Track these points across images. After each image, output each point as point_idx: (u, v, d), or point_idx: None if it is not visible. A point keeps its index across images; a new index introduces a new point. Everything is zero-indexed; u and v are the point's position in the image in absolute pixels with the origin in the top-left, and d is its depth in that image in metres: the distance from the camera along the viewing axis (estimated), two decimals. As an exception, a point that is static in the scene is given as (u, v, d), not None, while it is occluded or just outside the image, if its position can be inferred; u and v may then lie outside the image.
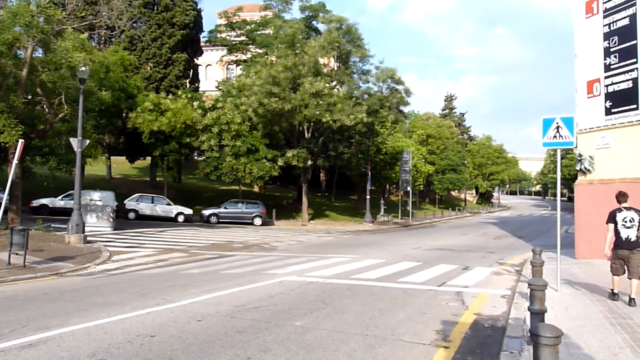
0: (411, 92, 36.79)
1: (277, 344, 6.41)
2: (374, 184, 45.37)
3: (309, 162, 33.96)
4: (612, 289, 9.25)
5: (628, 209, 8.96)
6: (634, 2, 14.96)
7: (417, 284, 11.44)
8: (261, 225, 32.41)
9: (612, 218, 9.04)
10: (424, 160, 53.17)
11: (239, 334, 6.84)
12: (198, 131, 32.45)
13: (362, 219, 37.83)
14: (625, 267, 8.84)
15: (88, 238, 18.05)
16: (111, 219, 24.08)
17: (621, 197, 9.21)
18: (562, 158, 44.67)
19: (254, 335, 6.78)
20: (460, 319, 8.08)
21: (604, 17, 16.00)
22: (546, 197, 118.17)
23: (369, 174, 39.06)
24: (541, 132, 10.15)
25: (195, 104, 33.31)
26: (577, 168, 16.73)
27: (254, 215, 32.87)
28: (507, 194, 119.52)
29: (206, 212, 32.57)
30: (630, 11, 15.11)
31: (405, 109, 43.04)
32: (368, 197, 38.45)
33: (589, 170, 16.46)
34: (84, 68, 17.60)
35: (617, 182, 15.46)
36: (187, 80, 43.69)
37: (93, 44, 34.07)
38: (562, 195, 79.48)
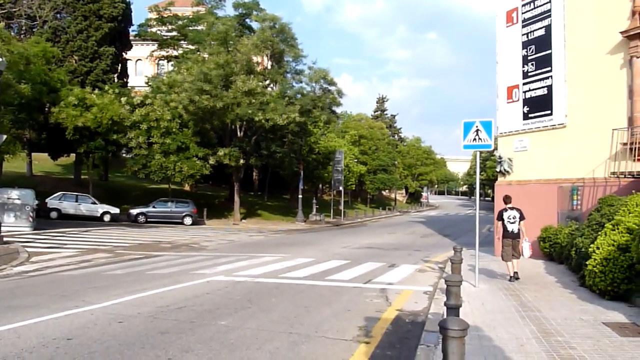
0: (343, 93, 37.40)
1: (200, 344, 6.37)
2: (307, 184, 45.66)
3: (242, 161, 33.71)
4: (509, 275, 11.33)
5: (511, 208, 11.37)
6: (549, 14, 15.91)
7: (344, 281, 11.65)
8: (191, 224, 31.84)
9: (500, 216, 11.46)
10: (356, 161, 53.99)
11: (161, 335, 6.73)
12: (126, 128, 31.41)
13: (295, 218, 37.97)
14: (512, 252, 11.14)
15: (5, 239, 17.10)
16: (31, 219, 22.88)
17: (507, 199, 11.67)
18: (486, 160, 46.53)
19: (177, 336, 6.70)
20: (383, 315, 8.31)
21: (523, 26, 16.91)
22: (472, 197, 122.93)
23: (302, 173, 39.27)
24: (462, 135, 10.61)
25: (124, 99, 32.24)
26: (498, 169, 17.57)
27: (184, 214, 32.24)
28: (435, 193, 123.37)
29: (134, 212, 31.62)
30: (546, 22, 16.05)
31: (338, 110, 43.71)
32: (300, 196, 38.64)
33: (508, 172, 17.33)
34: (0, 59, 16.65)
35: (533, 182, 16.40)
36: (115, 75, 42.15)
37: (12, 33, 32.21)
38: (487, 195, 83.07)
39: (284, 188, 51.86)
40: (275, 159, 39.03)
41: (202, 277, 11.87)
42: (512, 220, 11.27)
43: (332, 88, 36.72)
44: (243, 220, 35.94)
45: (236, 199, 35.54)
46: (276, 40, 35.04)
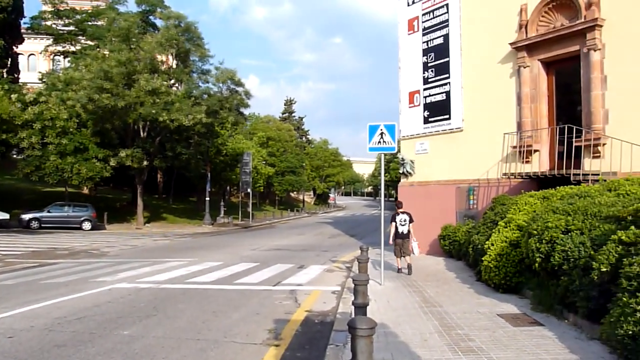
0: (251, 94, 37.16)
1: (101, 356, 6.04)
2: (214, 186, 44.81)
3: (145, 163, 32.45)
4: (398, 267, 12.91)
5: (403, 212, 12.88)
6: (447, 24, 16.75)
7: (253, 284, 11.55)
8: (91, 230, 30.20)
9: (393, 219, 12.85)
10: (264, 162, 53.82)
11: (57, 349, 6.30)
12: (17, 127, 29.15)
13: (202, 221, 37.14)
14: (402, 250, 12.71)
15: None
16: None
17: (399, 204, 13.31)
18: (390, 162, 48.02)
19: (75, 349, 6.30)
20: (293, 317, 8.33)
21: (423, 34, 17.67)
22: (377, 198, 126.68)
23: (209, 175, 38.51)
24: (367, 138, 10.89)
25: (14, 96, 29.88)
26: (400, 171, 18.22)
27: (82, 219, 30.51)
28: (342, 195, 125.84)
29: (26, 217, 29.45)
30: (444, 31, 16.87)
31: (246, 111, 43.26)
32: (208, 198, 37.87)
33: (410, 173, 18.02)
34: None
35: (433, 183, 17.16)
36: (5, 70, 38.99)
37: None
38: (391, 195, 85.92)
39: (191, 190, 50.55)
40: (181, 160, 37.93)
41: (103, 284, 11.28)
42: (403, 223, 12.74)
43: (240, 89, 36.37)
44: (147, 225, 34.62)
45: (139, 202, 34.16)
46: (182, 39, 34.11)
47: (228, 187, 55.78)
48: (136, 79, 29.89)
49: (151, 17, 40.70)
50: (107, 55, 31.86)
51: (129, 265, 14.67)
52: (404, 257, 12.76)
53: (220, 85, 35.67)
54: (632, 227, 6.33)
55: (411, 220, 12.81)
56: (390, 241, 12.81)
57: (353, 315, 7.77)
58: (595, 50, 12.57)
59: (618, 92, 12.20)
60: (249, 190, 42.12)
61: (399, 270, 12.82)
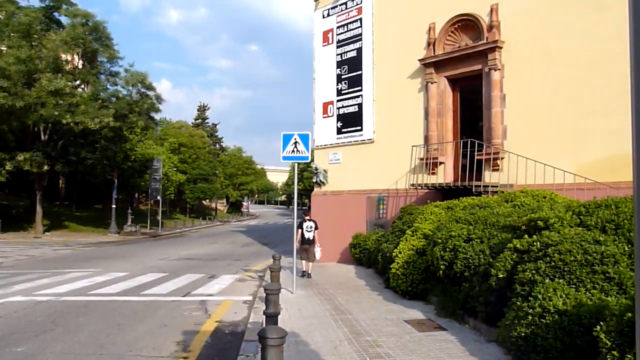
0: (163, 98, 36.12)
1: (-9, 376, 5.60)
2: (122, 193, 42.96)
3: (46, 168, 30.52)
4: (302, 270, 13.77)
5: (309, 220, 14.04)
6: (360, 38, 17.24)
7: (161, 295, 11.19)
8: (-18, 238, 27.91)
9: (300, 226, 13.70)
10: (175, 169, 52.36)
11: (-61, 370, 5.77)
12: None
13: (107, 230, 35.46)
14: (307, 255, 13.75)
15: None
16: None
17: (306, 213, 14.53)
18: (304, 171, 48.19)
19: (-40, 369, 5.80)
20: (202, 328, 8.16)
21: (338, 47, 18.05)
22: (290, 207, 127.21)
23: (116, 181, 36.87)
24: (281, 147, 10.94)
25: None
26: (314, 180, 18.44)
27: (-28, 227, 28.14)
28: (256, 203, 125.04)
29: None
30: (357, 45, 17.34)
31: (157, 116, 41.89)
32: (114, 206, 36.22)
33: (323, 183, 18.27)
34: None
35: (346, 193, 17.51)
36: None
37: None
38: (304, 204, 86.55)
39: (96, 197, 48.10)
40: (86, 165, 36.02)
41: (-5, 298, 10.46)
42: (309, 230, 13.87)
43: (151, 93, 35.22)
44: (47, 233, 32.52)
45: (38, 209, 32.03)
46: (89, 39, 32.50)
47: (136, 194, 53.74)
48: (37, 78, 28.11)
49: (56, 14, 38.41)
50: (4, 52, 29.71)
51: (25, 277, 13.72)
52: (308, 261, 13.85)
53: (130, 88, 34.35)
54: (526, 236, 6.80)
55: (316, 228, 13.99)
56: (297, 245, 13.37)
57: (264, 325, 7.74)
58: (495, 70, 13.44)
59: (515, 109, 13.10)
60: (158, 197, 40.77)
61: (303, 274, 13.72)
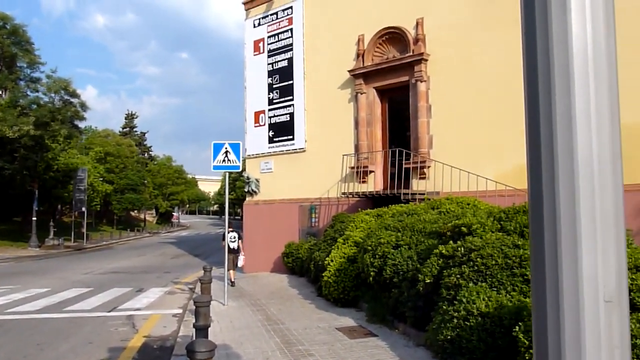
0: (88, 106, 34.84)
1: None
2: (44, 204, 40.77)
3: (-43, 179, 28.54)
4: (230, 280, 13.66)
5: (233, 231, 14.43)
6: (291, 48, 17.33)
7: (85, 311, 10.69)
8: None
9: (224, 237, 13.92)
10: (101, 179, 50.35)
11: None
12: None
13: (27, 244, 33.52)
14: (233, 264, 14.14)
15: None
16: None
17: (230, 225, 14.34)
18: (236, 180, 47.63)
19: None
20: (129, 344, 7.86)
21: (269, 56, 18.05)
22: (222, 217, 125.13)
23: (37, 193, 34.97)
24: (212, 156, 10.78)
25: None
26: (246, 190, 18.28)
27: None
28: (186, 213, 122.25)
29: None
30: (288, 55, 17.41)
31: (82, 124, 40.31)
32: (35, 218, 34.29)
33: (255, 192, 18.14)
34: None
35: (278, 202, 17.47)
36: None
37: None
38: (237, 214, 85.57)
39: (15, 210, 45.28)
40: (4, 176, 33.96)
41: None
42: (233, 240, 14.40)
43: (75, 100, 33.80)
44: (-42, 248, 30.33)
45: (-51, 223, 29.86)
46: (7, 42, 30.82)
47: (60, 206, 51.17)
48: (-52, 84, 26.31)
49: (-31, 16, 36.23)
50: None
51: None
52: (234, 270, 14.44)
53: (53, 95, 32.80)
54: (451, 242, 7.04)
55: (240, 238, 14.78)
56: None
57: (194, 338, 7.56)
58: (421, 82, 13.88)
59: (441, 120, 13.58)
60: (83, 209, 39.07)
61: (232, 283, 14.03)
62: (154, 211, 78.87)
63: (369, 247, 8.94)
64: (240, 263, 14.64)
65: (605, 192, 0.93)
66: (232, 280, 14.18)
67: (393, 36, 14.85)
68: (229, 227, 14.19)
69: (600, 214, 0.92)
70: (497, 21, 12.55)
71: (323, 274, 10.75)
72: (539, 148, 0.95)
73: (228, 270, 13.91)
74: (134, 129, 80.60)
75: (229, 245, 13.90)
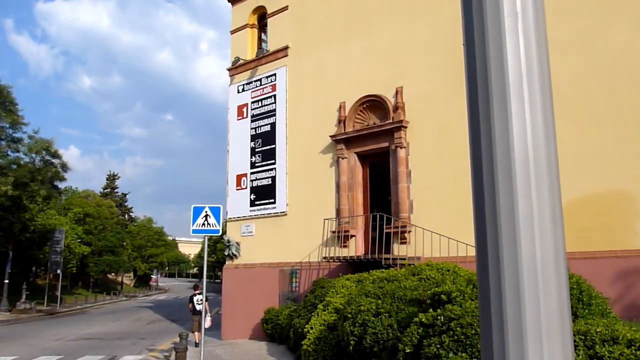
0: (69, 167, 34.67)
1: None
2: (17, 266, 39.73)
3: None
4: (195, 342, 14.53)
5: (199, 294, 15.23)
6: (274, 113, 17.69)
7: (53, 381, 10.21)
8: None
9: (191, 299, 15.55)
10: (79, 241, 49.43)
11: None
12: None
13: (-3, 308, 32.32)
14: (199, 325, 14.11)
15: None
16: None
17: (196, 288, 15.98)
18: (217, 242, 46.85)
19: None
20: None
21: (252, 121, 18.37)
22: (202, 280, 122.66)
23: (11, 254, 34.12)
24: (191, 219, 10.71)
25: None
26: (226, 253, 18.08)
27: None
28: (166, 276, 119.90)
29: None
30: (271, 120, 17.74)
31: (63, 185, 39.97)
32: (7, 281, 33.29)
33: (235, 255, 17.95)
34: None
35: (258, 266, 17.27)
36: None
37: None
38: (217, 277, 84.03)
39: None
40: (-23, 237, 33.28)
41: None
42: (199, 302, 15.06)
43: (56, 161, 33.67)
44: None
45: None
46: (-10, 103, 30.99)
47: (34, 268, 49.90)
48: None
49: (-46, 77, 36.54)
50: None
51: None
52: (197, 331, 14.66)
53: (34, 155, 32.69)
54: (431, 310, 6.97)
55: (206, 300, 14.69)
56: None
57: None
58: (401, 148, 14.16)
59: (421, 185, 13.77)
60: (58, 271, 38.09)
61: (196, 344, 14.36)
62: (132, 274, 77.16)
63: (349, 315, 8.79)
64: (206, 324, 14.53)
65: (547, 254, 0.93)
66: (197, 341, 14.43)
67: (373, 103, 15.26)
68: (196, 290, 15.51)
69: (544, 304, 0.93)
70: (474, 91, 12.99)
71: (302, 342, 10.49)
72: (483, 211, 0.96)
73: (193, 332, 15.30)
74: (115, 190, 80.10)
75: (195, 307, 15.14)
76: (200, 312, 14.43)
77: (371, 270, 11.80)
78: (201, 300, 14.80)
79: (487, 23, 0.94)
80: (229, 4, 20.54)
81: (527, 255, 0.90)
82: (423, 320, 6.82)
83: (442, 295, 7.13)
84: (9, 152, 32.89)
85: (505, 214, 0.90)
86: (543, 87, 0.92)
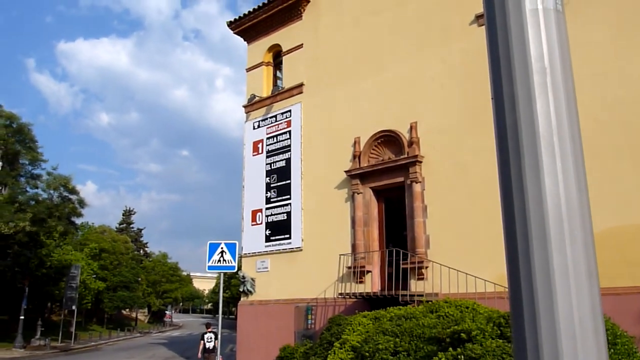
0: (86, 203, 35.01)
1: None
2: (33, 302, 39.82)
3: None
4: None
5: (210, 332, 15.53)
6: (289, 149, 17.83)
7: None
8: None
9: (202, 336, 15.59)
10: (94, 276, 49.56)
11: None
12: None
13: (12, 344, 32.28)
14: None
15: None
16: None
17: (207, 326, 16.14)
18: (232, 278, 46.75)
19: None
20: None
21: (267, 157, 18.51)
22: (216, 316, 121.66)
23: (27, 290, 34.23)
24: (207, 256, 10.71)
25: None
26: (241, 289, 17.96)
27: None
28: (180, 312, 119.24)
29: None
30: (286, 155, 17.87)
31: (79, 220, 40.32)
32: (22, 317, 33.28)
33: (250, 292, 17.83)
34: None
35: (273, 303, 17.12)
36: None
37: None
38: (231, 313, 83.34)
39: (2, 307, 44.16)
40: (-5, 273, 33.49)
41: None
42: (209, 340, 15.32)
43: (74, 197, 34.08)
44: (-60, 349, 29.18)
45: None
46: (11, 140, 31.63)
47: (49, 304, 49.96)
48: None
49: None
50: None
51: None
52: None
53: (52, 191, 33.18)
54: (450, 349, 6.83)
55: (216, 338, 15.11)
56: (199, 355, 15.41)
57: None
58: (417, 182, 14.14)
59: (437, 220, 13.68)
60: (73, 307, 38.06)
61: None
62: (146, 310, 76.91)
63: (367, 354, 8.64)
64: None
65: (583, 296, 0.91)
66: None
67: (388, 139, 15.33)
68: (208, 328, 15.74)
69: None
70: (487, 127, 13.00)
71: (319, 381, 10.29)
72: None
73: None
74: (131, 225, 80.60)
75: (205, 345, 15.33)
76: (210, 350, 15.15)
77: (388, 307, 11.63)
78: (211, 337, 15.38)
79: (516, 79, 0.96)
80: (245, 42, 20.99)
81: (564, 312, 0.89)
82: (443, 359, 6.68)
83: (462, 334, 6.99)
84: (28, 189, 33.45)
85: (540, 270, 0.89)
86: (574, 142, 0.92)
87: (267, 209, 18.08)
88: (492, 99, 1.06)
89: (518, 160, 0.94)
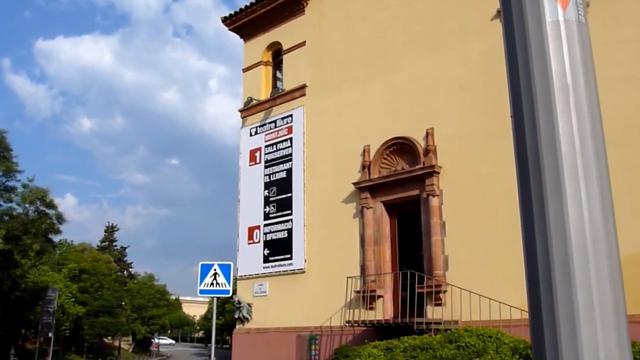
0: (65, 218, 35.33)
1: None
2: (6, 329, 39.84)
3: None
4: None
5: None
6: (290, 158, 17.88)
7: None
8: None
9: None
10: (73, 300, 49.55)
11: None
12: None
13: (-19, 376, 32.32)
14: None
15: None
16: None
17: None
18: (225, 302, 46.62)
19: None
20: None
21: (265, 167, 18.58)
22: (208, 344, 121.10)
23: (-1, 316, 34.32)
24: (198, 278, 10.73)
25: None
26: (236, 316, 17.95)
27: None
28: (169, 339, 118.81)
29: None
30: (287, 165, 17.92)
31: (57, 238, 40.48)
32: (-7, 346, 33.37)
33: (247, 319, 17.82)
34: None
35: (272, 331, 17.11)
36: None
37: None
38: (225, 342, 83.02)
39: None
40: (-38, 296, 33.62)
41: None
42: None
43: (51, 211, 34.35)
44: None
45: None
46: (-18, 149, 31.92)
47: (23, 330, 49.94)
48: None
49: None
50: None
51: None
52: None
53: (27, 205, 33.35)
54: (472, 384, 6.80)
55: None
56: None
57: None
58: (434, 196, 14.14)
59: (457, 238, 13.65)
60: (50, 334, 38.03)
61: None
62: (130, 338, 76.72)
63: (377, 388, 8.62)
64: None
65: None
66: None
67: (401, 147, 15.35)
68: None
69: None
70: (502, 133, 13.00)
71: (324, 420, 10.26)
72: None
73: None
74: (114, 243, 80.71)
75: None
76: None
77: (402, 337, 11.60)
78: None
79: (537, 97, 0.98)
80: (241, 40, 21.14)
81: (589, 349, 0.91)
82: (463, 396, 6.66)
83: (484, 367, 6.97)
84: (1, 203, 33.62)
85: (563, 305, 0.91)
86: (599, 165, 0.95)
87: (265, 225, 18.08)
88: (511, 117, 1.08)
89: (539, 185, 0.97)
